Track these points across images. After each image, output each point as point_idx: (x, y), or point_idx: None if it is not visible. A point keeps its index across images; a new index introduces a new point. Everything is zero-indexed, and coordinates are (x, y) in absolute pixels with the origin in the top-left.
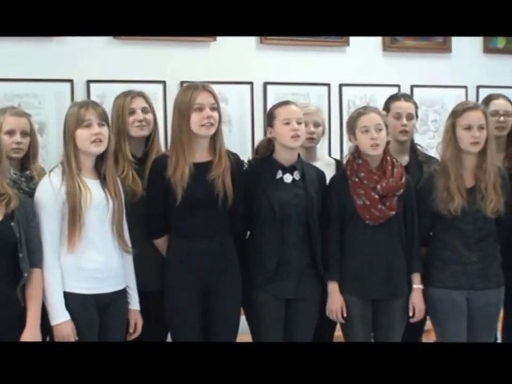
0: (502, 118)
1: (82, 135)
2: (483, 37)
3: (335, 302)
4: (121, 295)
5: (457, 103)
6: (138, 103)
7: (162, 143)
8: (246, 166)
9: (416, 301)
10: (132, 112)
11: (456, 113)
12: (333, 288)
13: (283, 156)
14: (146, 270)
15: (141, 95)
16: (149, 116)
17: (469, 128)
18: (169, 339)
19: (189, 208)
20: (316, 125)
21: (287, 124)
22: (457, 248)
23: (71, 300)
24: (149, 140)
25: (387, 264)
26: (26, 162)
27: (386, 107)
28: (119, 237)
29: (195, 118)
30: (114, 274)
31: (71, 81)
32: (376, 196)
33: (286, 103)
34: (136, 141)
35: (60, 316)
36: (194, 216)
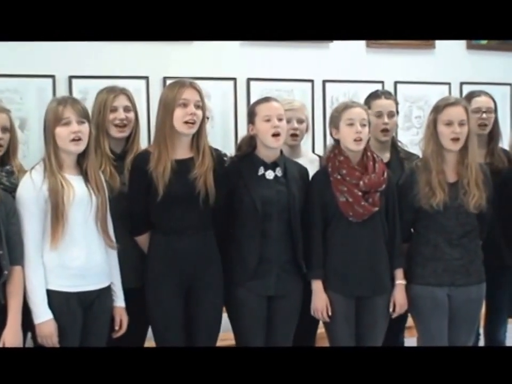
0: (484, 115)
1: (61, 133)
2: None
3: (320, 301)
4: (106, 292)
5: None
6: (121, 102)
7: (145, 139)
8: (227, 160)
9: (398, 296)
10: (114, 110)
11: (438, 109)
12: (317, 286)
13: (265, 153)
14: (125, 266)
15: (124, 93)
16: (131, 115)
17: (449, 123)
18: (149, 336)
19: (170, 204)
20: (300, 121)
21: (268, 120)
22: (439, 245)
23: (54, 297)
24: (130, 138)
25: (370, 261)
26: (6, 158)
27: (367, 105)
28: (103, 232)
29: (179, 113)
30: (98, 272)
31: (53, 76)
32: (359, 193)
33: (267, 99)
34: (116, 138)
35: (43, 315)
36: (176, 213)
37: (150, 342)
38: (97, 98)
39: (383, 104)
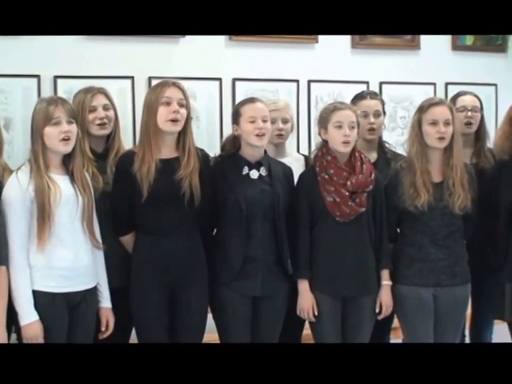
0: (469, 114)
1: (50, 133)
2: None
3: (306, 301)
4: (92, 293)
5: None
6: (99, 101)
7: (130, 139)
8: (211, 160)
9: (384, 297)
10: (93, 109)
11: (422, 109)
12: (303, 286)
13: (249, 153)
14: (110, 266)
15: (102, 92)
16: (110, 113)
17: (434, 123)
18: (133, 336)
19: (154, 204)
20: (285, 121)
21: (253, 122)
22: (424, 246)
23: (40, 298)
24: (110, 136)
25: (357, 261)
26: None
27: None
28: (89, 233)
29: (162, 112)
30: (85, 272)
31: (38, 76)
32: (346, 193)
33: (252, 100)
34: (97, 137)
35: (28, 316)
36: (160, 213)
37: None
38: (74, 99)
39: (369, 104)
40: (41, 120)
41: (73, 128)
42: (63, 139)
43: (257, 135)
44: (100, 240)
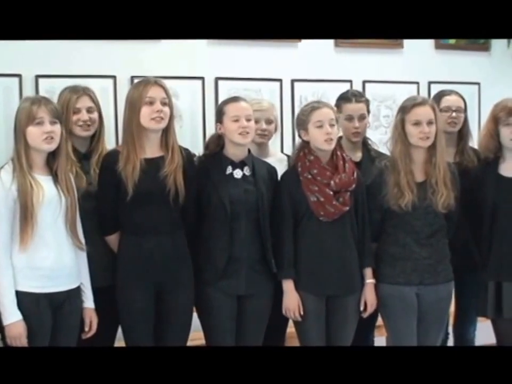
0: (454, 114)
1: (33, 132)
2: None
3: (292, 300)
4: (75, 293)
5: None
6: (84, 103)
7: (113, 138)
8: (195, 159)
9: (368, 296)
10: (77, 111)
11: (405, 109)
12: (288, 286)
13: (233, 152)
14: (95, 266)
15: (87, 93)
16: (94, 115)
17: (418, 123)
18: (119, 336)
19: (139, 203)
20: (268, 122)
21: (236, 121)
22: (407, 244)
23: (23, 299)
24: (94, 137)
25: (341, 260)
26: None
27: (338, 106)
28: (72, 233)
29: (145, 111)
30: (68, 272)
31: (19, 75)
32: (331, 192)
33: (236, 99)
34: (81, 138)
35: (12, 316)
36: (145, 212)
37: (119, 342)
38: (60, 98)
39: (354, 108)
40: (24, 119)
41: (57, 128)
42: (46, 139)
43: (241, 134)
44: (83, 241)
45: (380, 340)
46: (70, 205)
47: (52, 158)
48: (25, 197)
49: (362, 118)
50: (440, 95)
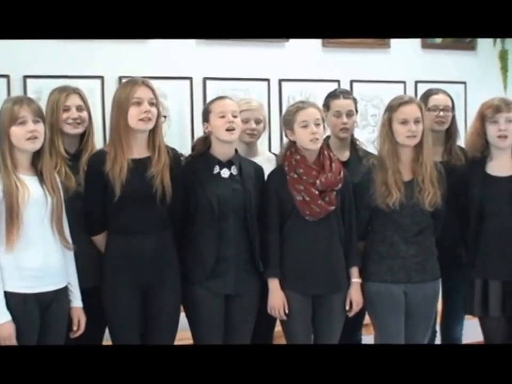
0: (441, 113)
1: (17, 132)
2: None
3: (277, 299)
4: (63, 293)
5: None
6: (73, 101)
7: (100, 138)
8: (182, 159)
9: (354, 295)
10: (67, 109)
11: (392, 108)
12: (274, 284)
13: (220, 151)
14: (83, 266)
15: (77, 92)
16: (84, 114)
17: (405, 122)
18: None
19: (126, 204)
20: (258, 121)
21: (223, 117)
22: (394, 243)
23: (11, 299)
24: (84, 136)
25: (327, 259)
26: None
27: (326, 105)
28: (59, 233)
29: (133, 112)
30: (55, 272)
31: (7, 76)
32: (316, 192)
33: (221, 97)
34: (70, 137)
35: (1, 317)
36: (133, 212)
37: (107, 342)
38: (49, 98)
39: (342, 104)
40: (7, 120)
41: (40, 127)
42: (30, 138)
43: (228, 130)
44: (70, 241)
45: (368, 339)
46: (56, 205)
47: (36, 158)
48: (10, 197)
49: (350, 114)
50: (428, 94)
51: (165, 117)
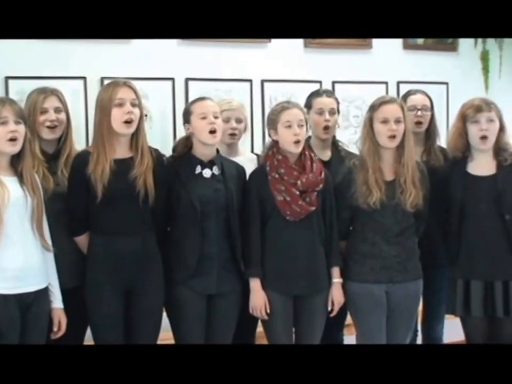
0: (419, 113)
1: None
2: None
3: (258, 299)
4: (44, 293)
5: None
6: (51, 103)
7: (83, 140)
8: (165, 160)
9: (336, 295)
10: (44, 111)
11: (373, 107)
12: (255, 284)
13: (201, 151)
14: (64, 267)
15: (55, 93)
16: (62, 116)
17: (385, 121)
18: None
19: (109, 204)
20: (238, 121)
21: (204, 118)
22: (376, 243)
23: None
24: (61, 138)
25: (308, 260)
26: None
27: (308, 103)
28: (39, 234)
29: (116, 113)
30: (36, 273)
31: None
32: (297, 192)
33: (202, 98)
34: (47, 139)
35: None
36: (115, 213)
37: (89, 343)
38: (28, 99)
39: (324, 102)
40: None
41: (21, 128)
42: (10, 139)
43: (210, 132)
44: (50, 242)
45: (349, 339)
46: (36, 206)
47: (16, 159)
48: None
49: (332, 112)
50: (406, 95)
51: (146, 115)
